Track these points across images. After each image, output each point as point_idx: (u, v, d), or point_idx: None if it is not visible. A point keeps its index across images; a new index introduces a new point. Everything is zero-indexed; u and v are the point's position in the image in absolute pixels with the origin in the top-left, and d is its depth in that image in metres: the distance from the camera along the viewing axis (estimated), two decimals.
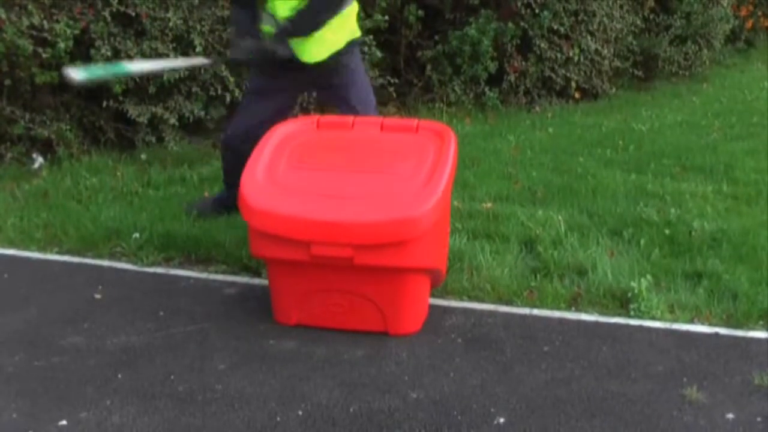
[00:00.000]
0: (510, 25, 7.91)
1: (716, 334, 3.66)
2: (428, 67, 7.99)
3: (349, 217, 3.36)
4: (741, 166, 6.03)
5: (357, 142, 3.77)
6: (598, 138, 7.01)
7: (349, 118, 3.98)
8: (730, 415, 3.03)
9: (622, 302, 3.90)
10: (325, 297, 3.60)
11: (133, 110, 6.09)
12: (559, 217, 4.79)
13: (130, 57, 5.95)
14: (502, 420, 3.00)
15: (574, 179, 5.69)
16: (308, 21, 4.32)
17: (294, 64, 4.38)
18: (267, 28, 4.39)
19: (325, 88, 4.71)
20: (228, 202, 4.67)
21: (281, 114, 4.49)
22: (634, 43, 9.17)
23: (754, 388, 3.21)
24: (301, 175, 3.57)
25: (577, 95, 8.58)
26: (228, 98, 6.40)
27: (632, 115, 8.02)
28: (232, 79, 6.35)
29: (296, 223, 3.38)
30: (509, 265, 4.26)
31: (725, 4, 10.00)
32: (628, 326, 3.73)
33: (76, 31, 5.70)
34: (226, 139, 4.75)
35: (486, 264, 4.23)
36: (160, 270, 4.30)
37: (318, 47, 4.38)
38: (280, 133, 3.82)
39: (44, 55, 5.60)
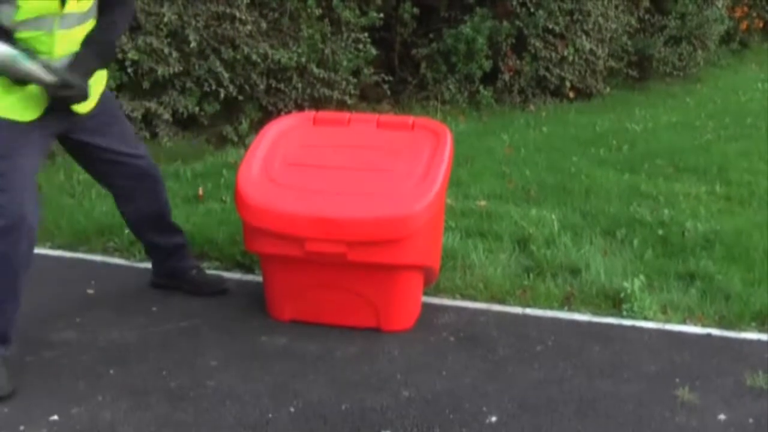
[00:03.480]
0: (505, 23, 7.92)
1: (709, 335, 3.67)
2: (423, 64, 7.99)
3: (343, 213, 3.36)
4: (734, 167, 6.04)
5: (353, 140, 3.77)
6: (591, 137, 7.01)
7: (345, 115, 3.97)
8: (722, 416, 3.03)
9: (615, 302, 3.90)
10: (318, 293, 3.60)
11: (127, 105, 6.08)
12: (553, 217, 4.79)
13: (124, 52, 5.94)
14: (494, 419, 3.00)
15: (568, 179, 5.69)
16: (110, 45, 3.39)
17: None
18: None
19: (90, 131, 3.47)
20: None
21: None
22: (629, 43, 9.19)
23: (746, 389, 3.21)
24: (297, 172, 3.56)
25: (571, 95, 8.59)
26: (222, 94, 6.40)
27: (626, 115, 8.03)
28: (226, 75, 6.35)
29: (291, 219, 3.38)
30: (502, 263, 4.26)
31: (720, 6, 10.03)
32: (620, 326, 3.73)
33: None
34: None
35: (479, 262, 4.23)
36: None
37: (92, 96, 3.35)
38: (276, 128, 3.81)
39: None
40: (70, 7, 3.11)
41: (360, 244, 3.35)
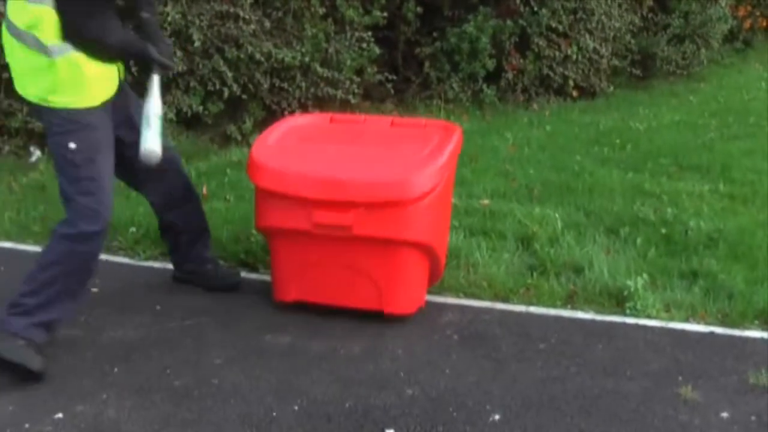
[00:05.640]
0: (508, 22, 7.92)
1: (712, 333, 3.67)
2: (426, 64, 7.99)
3: (348, 175, 3.50)
4: (738, 166, 6.04)
5: (367, 131, 4.01)
6: (595, 136, 7.01)
7: (361, 116, 4.11)
8: (725, 414, 3.03)
9: (618, 300, 3.91)
10: (322, 271, 3.64)
11: None
12: (556, 215, 4.80)
13: None
14: (497, 417, 3.00)
15: (571, 177, 5.70)
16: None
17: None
18: None
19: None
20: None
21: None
22: (633, 41, 9.18)
23: (749, 388, 3.22)
24: (311, 145, 3.79)
25: (574, 93, 8.59)
26: (226, 93, 6.40)
27: (630, 113, 8.02)
28: (230, 74, 6.35)
29: (298, 179, 3.50)
30: (506, 262, 4.26)
31: (723, 4, 10.02)
32: (623, 325, 3.74)
33: None
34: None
35: (483, 261, 4.24)
36: (156, 264, 4.30)
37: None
38: (292, 121, 4.07)
39: None
40: None
41: (364, 208, 3.43)
